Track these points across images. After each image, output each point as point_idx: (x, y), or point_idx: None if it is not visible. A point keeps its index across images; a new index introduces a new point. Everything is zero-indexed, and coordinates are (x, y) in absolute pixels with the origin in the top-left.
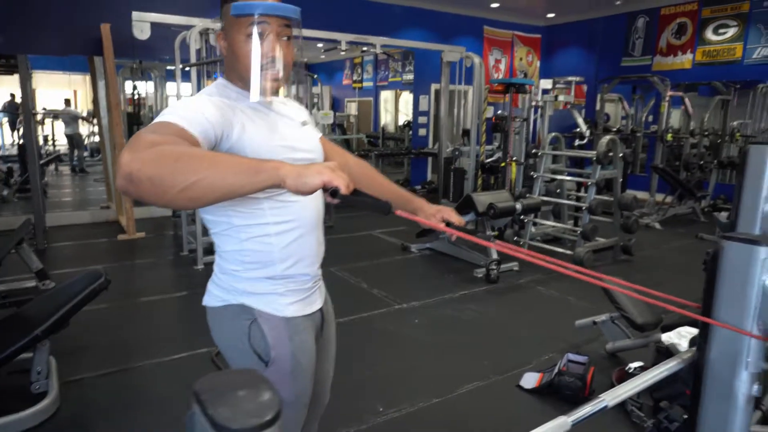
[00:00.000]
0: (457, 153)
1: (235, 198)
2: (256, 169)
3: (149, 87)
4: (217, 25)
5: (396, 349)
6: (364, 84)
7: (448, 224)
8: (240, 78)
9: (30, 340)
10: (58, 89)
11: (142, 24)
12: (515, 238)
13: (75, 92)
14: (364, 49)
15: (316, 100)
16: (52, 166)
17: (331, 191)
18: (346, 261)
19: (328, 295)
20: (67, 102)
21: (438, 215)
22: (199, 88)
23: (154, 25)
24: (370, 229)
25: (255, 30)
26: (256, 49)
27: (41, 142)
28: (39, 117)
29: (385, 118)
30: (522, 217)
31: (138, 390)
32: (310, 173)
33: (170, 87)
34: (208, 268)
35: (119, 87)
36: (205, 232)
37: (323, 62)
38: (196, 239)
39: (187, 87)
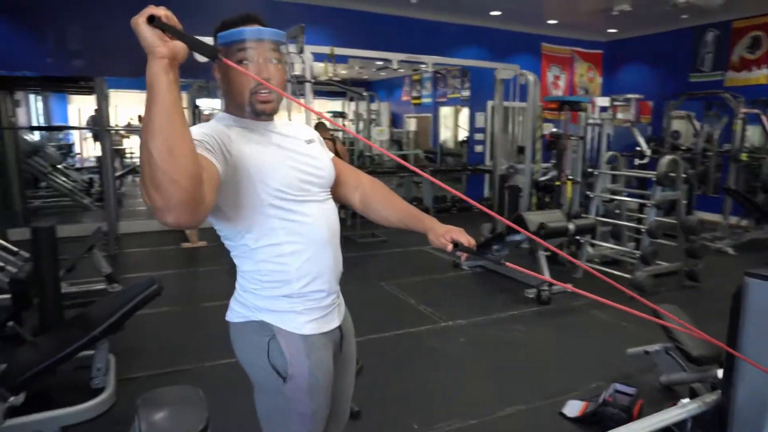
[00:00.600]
0: (511, 170)
1: (179, 110)
2: (150, 85)
3: (216, 104)
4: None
5: (439, 366)
6: (423, 100)
7: (456, 245)
8: (237, 106)
9: (89, 340)
10: (138, 106)
11: None
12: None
13: None
14: (415, 68)
15: (373, 116)
16: (129, 178)
17: (150, 20)
18: (396, 276)
19: (347, 312)
20: (140, 118)
21: (447, 235)
22: None
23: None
24: (423, 244)
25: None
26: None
27: (122, 155)
28: (120, 132)
29: (445, 134)
30: (578, 237)
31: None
32: (138, 33)
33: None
34: None
35: (189, 104)
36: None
37: (383, 79)
38: None
39: None
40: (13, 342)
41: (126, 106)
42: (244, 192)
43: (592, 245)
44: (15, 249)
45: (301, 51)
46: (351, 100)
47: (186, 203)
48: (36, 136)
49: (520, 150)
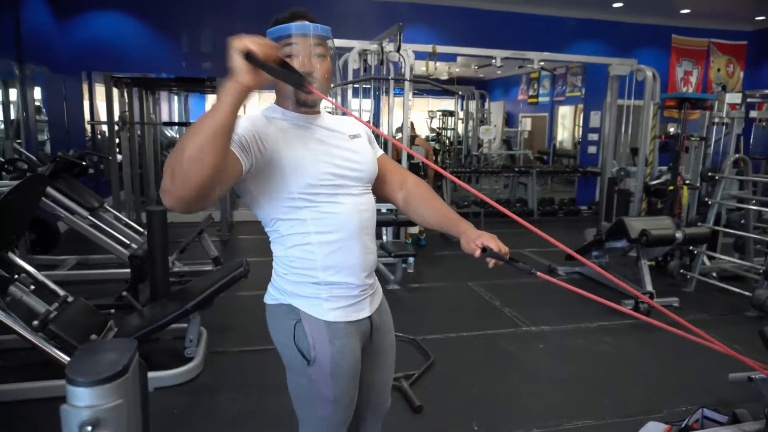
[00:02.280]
0: (622, 173)
1: (226, 133)
2: (215, 107)
3: None
4: (374, 47)
5: (512, 371)
6: (540, 99)
7: (484, 250)
8: (284, 97)
9: (181, 313)
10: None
11: None
12: (681, 271)
13: None
14: (520, 66)
15: (483, 115)
16: None
17: (245, 55)
18: (485, 277)
19: (385, 303)
20: None
21: (478, 241)
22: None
23: None
24: (520, 247)
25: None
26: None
27: None
28: None
29: (562, 135)
30: (691, 248)
31: (267, 370)
32: (234, 63)
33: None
34: None
35: None
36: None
37: (499, 78)
38: None
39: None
40: (127, 310)
41: (251, 104)
42: (278, 184)
43: (710, 258)
44: (142, 230)
45: (398, 49)
46: (462, 98)
47: (185, 200)
48: (173, 131)
49: (634, 152)
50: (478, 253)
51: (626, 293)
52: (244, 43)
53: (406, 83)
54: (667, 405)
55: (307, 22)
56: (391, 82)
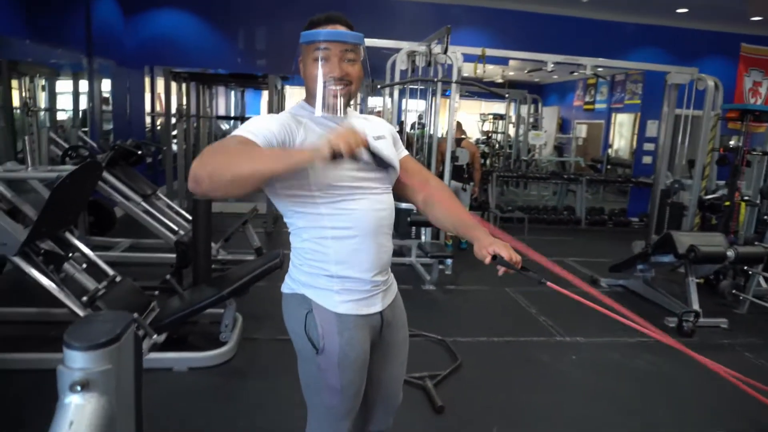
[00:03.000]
0: (676, 185)
1: (276, 178)
2: (288, 154)
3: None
4: (422, 48)
5: (540, 380)
6: (597, 106)
7: (495, 258)
8: (312, 97)
9: (217, 299)
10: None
11: None
12: (733, 292)
13: None
14: (572, 71)
15: (533, 120)
16: None
17: (333, 155)
18: (525, 284)
19: (399, 300)
20: None
21: (491, 248)
22: (400, 105)
23: (368, 48)
24: (563, 256)
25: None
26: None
27: None
28: None
29: (618, 143)
30: (745, 268)
31: (294, 359)
32: (322, 142)
33: (375, 101)
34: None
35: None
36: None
37: (555, 82)
38: None
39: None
40: (170, 292)
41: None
42: (299, 182)
43: (767, 279)
44: (191, 217)
45: (445, 51)
46: (516, 102)
47: (211, 196)
48: (228, 124)
49: (691, 164)
50: (488, 260)
51: (670, 310)
52: (338, 145)
53: (453, 85)
54: (702, 430)
55: (339, 29)
56: (439, 84)
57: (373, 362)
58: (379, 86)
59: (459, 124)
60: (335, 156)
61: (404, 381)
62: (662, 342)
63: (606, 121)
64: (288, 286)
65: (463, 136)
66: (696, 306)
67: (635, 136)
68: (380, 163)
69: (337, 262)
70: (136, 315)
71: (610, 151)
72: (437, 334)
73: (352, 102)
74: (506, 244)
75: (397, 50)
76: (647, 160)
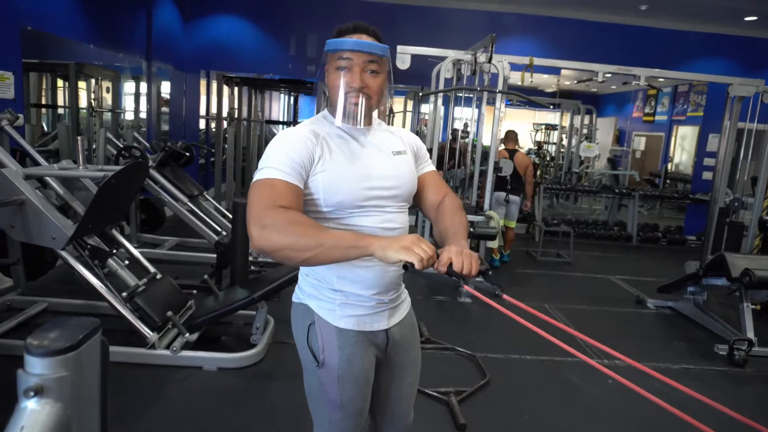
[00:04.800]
0: (736, 204)
1: (336, 261)
2: (353, 247)
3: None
4: (468, 57)
5: (571, 403)
6: (657, 117)
7: (451, 268)
8: (333, 106)
9: (248, 301)
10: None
11: (404, 56)
12: None
13: None
14: (625, 82)
15: (586, 131)
16: None
17: (404, 265)
18: (565, 301)
19: (411, 318)
20: None
21: (445, 255)
22: (446, 112)
23: (413, 57)
24: (610, 273)
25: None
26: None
27: None
28: None
29: (680, 157)
30: None
31: None
32: (392, 250)
33: (424, 108)
34: (427, 278)
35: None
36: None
37: (612, 92)
38: None
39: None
40: (207, 292)
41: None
42: (310, 195)
43: None
44: None
45: (489, 60)
46: (574, 113)
47: (270, 255)
48: (280, 128)
49: (754, 181)
50: (443, 269)
51: (722, 336)
52: (410, 258)
53: (497, 94)
54: None
55: (362, 39)
56: (484, 93)
57: (380, 381)
58: (421, 94)
59: (514, 135)
60: (406, 266)
61: (428, 396)
62: (708, 371)
63: (666, 133)
64: (296, 296)
65: (517, 148)
66: (750, 334)
67: (697, 150)
68: (457, 276)
69: (339, 277)
70: (170, 313)
71: (670, 165)
72: (468, 349)
73: (376, 113)
74: (470, 252)
75: (444, 58)
76: (707, 175)
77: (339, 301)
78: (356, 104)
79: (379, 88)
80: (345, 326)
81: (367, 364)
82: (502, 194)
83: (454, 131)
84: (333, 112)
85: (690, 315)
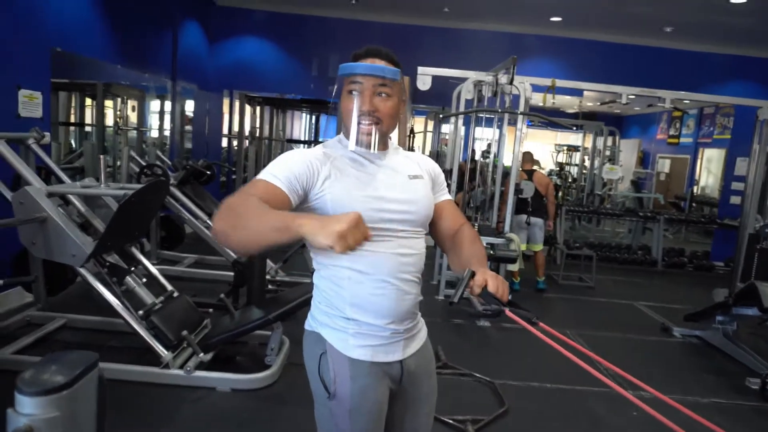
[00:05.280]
0: (767, 230)
1: (272, 243)
2: (285, 227)
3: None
4: (489, 78)
5: None
6: (682, 140)
7: (484, 290)
8: (346, 130)
9: (263, 322)
10: None
11: (424, 77)
12: None
13: None
14: (650, 104)
15: (609, 153)
16: None
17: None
18: (587, 327)
19: (427, 348)
20: None
21: (481, 277)
22: (467, 132)
23: (434, 78)
24: (634, 299)
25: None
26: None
27: None
28: None
29: (706, 180)
30: None
31: None
32: (322, 235)
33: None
34: (446, 301)
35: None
36: (448, 265)
37: (636, 114)
38: (441, 272)
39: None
40: (223, 311)
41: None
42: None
43: None
44: None
45: (510, 82)
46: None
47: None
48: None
49: None
50: (476, 290)
51: (754, 369)
52: (334, 244)
53: (519, 116)
54: None
55: (374, 63)
56: (506, 114)
57: (395, 413)
58: (441, 116)
59: (530, 156)
60: (330, 248)
61: (445, 423)
62: (741, 405)
63: (692, 156)
64: (308, 323)
65: (534, 168)
66: None
67: (724, 173)
68: (492, 299)
69: (352, 305)
70: (185, 332)
71: (695, 188)
72: (486, 375)
73: (395, 139)
74: (495, 275)
75: (465, 79)
76: (735, 199)
77: (352, 330)
78: (368, 128)
79: (390, 112)
80: (358, 357)
81: (380, 397)
82: (523, 217)
83: (473, 152)
84: (347, 136)
85: (719, 345)
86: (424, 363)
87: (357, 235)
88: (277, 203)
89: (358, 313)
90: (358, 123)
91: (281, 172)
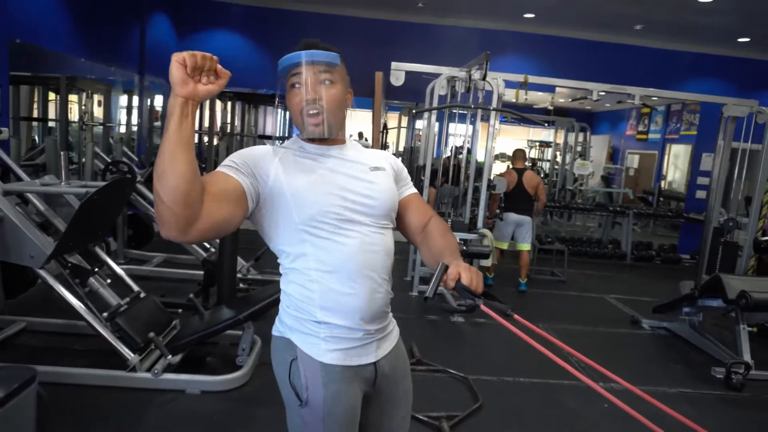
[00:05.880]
0: (731, 224)
1: (183, 145)
2: (168, 115)
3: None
4: (463, 74)
5: (565, 428)
6: (650, 136)
7: (457, 283)
8: (297, 125)
9: (233, 322)
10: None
11: (398, 72)
12: None
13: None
14: (619, 101)
15: (580, 148)
16: None
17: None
18: (558, 321)
19: (400, 349)
20: (360, 135)
21: (454, 269)
22: (441, 128)
23: (408, 73)
24: (604, 292)
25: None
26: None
27: None
28: None
29: (673, 175)
30: None
31: None
32: (173, 98)
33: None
34: (420, 297)
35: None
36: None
37: (607, 110)
38: (415, 268)
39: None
40: (193, 311)
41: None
42: (282, 216)
43: None
44: None
45: (483, 78)
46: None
47: (172, 222)
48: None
49: (748, 201)
50: (450, 284)
51: (718, 359)
52: (183, 54)
53: (492, 112)
54: None
55: (312, 50)
56: (478, 110)
57: (369, 417)
58: (414, 111)
59: (522, 154)
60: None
61: (419, 420)
62: (706, 395)
63: (660, 151)
64: (276, 329)
65: (525, 166)
66: (747, 357)
67: (690, 169)
68: (468, 292)
69: (322, 307)
70: (152, 334)
71: (663, 183)
72: (460, 371)
73: (341, 130)
74: (470, 267)
75: (438, 75)
76: (701, 194)
77: (323, 334)
78: (316, 118)
79: (335, 99)
80: (330, 361)
81: (353, 401)
82: (512, 215)
83: (455, 149)
84: (300, 129)
85: (685, 336)
86: (399, 364)
87: (198, 57)
88: (224, 185)
89: (328, 315)
90: (307, 114)
91: (236, 162)
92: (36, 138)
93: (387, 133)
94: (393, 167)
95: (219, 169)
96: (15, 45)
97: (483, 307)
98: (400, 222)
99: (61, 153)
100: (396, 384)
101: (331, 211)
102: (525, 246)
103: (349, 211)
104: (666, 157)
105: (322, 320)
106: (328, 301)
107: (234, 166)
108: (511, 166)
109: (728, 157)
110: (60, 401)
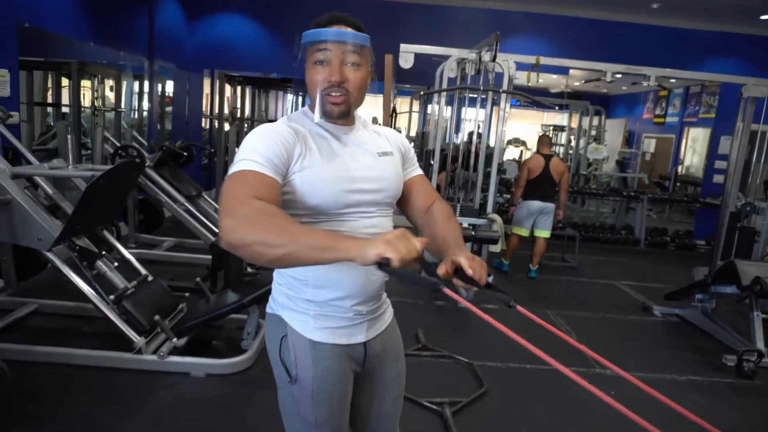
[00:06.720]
0: (748, 208)
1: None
2: (332, 248)
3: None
4: (472, 56)
5: (571, 416)
6: (668, 119)
7: (456, 272)
8: (312, 103)
9: (237, 306)
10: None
11: (407, 55)
12: None
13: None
14: (634, 82)
15: (594, 132)
16: None
17: (378, 263)
18: (568, 307)
19: (393, 330)
20: (375, 120)
21: (453, 258)
22: (452, 113)
23: (418, 56)
24: (615, 279)
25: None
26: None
27: None
28: None
29: (691, 159)
30: None
31: None
32: (370, 247)
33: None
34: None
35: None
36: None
37: (623, 93)
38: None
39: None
40: (200, 295)
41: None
42: (288, 198)
43: None
44: None
45: (494, 59)
46: (583, 114)
47: (245, 256)
48: None
49: (767, 185)
50: (443, 271)
51: (731, 346)
52: (387, 254)
53: (503, 94)
54: None
55: (342, 29)
56: (490, 93)
57: (360, 398)
58: (423, 93)
59: (548, 140)
60: (381, 264)
61: (421, 406)
62: (716, 382)
63: (677, 135)
64: (270, 306)
65: (552, 153)
66: (760, 344)
67: (708, 152)
68: (430, 273)
69: (315, 286)
70: (157, 317)
71: (680, 167)
72: (466, 357)
73: (356, 111)
74: (474, 257)
75: (447, 57)
76: (718, 179)
77: (313, 312)
78: (338, 98)
79: (361, 83)
80: (319, 339)
81: (343, 380)
82: (534, 203)
83: (470, 134)
84: (313, 109)
85: (698, 323)
86: (391, 345)
87: (407, 244)
88: (272, 194)
89: (320, 293)
90: (327, 95)
91: (263, 155)
92: (51, 123)
93: (396, 116)
94: (401, 149)
95: (247, 166)
96: (23, 29)
97: (446, 290)
98: (403, 203)
99: (68, 137)
100: (387, 366)
101: (336, 201)
102: (544, 233)
103: (354, 202)
104: (684, 141)
105: (312, 299)
106: (322, 281)
107: (262, 162)
108: (537, 152)
109: (747, 140)
110: (68, 381)
